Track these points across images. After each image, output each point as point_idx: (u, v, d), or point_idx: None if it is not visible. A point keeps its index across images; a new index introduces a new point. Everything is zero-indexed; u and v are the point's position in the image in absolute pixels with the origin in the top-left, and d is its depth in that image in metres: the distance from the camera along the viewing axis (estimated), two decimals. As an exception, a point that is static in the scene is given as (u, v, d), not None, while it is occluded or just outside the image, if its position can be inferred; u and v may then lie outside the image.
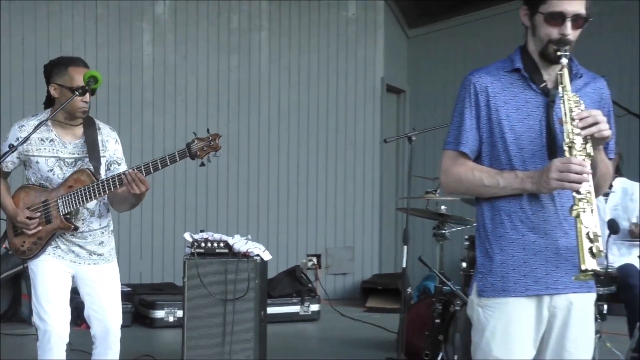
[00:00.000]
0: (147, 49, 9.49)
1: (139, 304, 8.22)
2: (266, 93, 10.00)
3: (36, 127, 3.93)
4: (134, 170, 3.93)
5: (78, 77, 4.03)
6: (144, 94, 9.37)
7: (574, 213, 2.58)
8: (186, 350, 5.54)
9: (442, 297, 5.73)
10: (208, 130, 4.11)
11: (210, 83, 9.75)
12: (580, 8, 2.74)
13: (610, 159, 2.91)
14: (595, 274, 2.56)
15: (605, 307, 5.27)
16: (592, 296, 2.88)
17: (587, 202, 2.59)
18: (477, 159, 2.90)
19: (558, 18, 2.73)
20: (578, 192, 2.59)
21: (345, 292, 10.32)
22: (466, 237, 5.57)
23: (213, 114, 9.72)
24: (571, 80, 2.76)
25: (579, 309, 2.82)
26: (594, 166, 2.69)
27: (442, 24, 11.24)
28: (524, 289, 2.78)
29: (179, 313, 7.23)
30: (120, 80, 9.06)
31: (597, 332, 5.38)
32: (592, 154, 2.65)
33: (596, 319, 5.28)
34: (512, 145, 2.81)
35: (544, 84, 2.83)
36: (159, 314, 8.00)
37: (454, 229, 6.00)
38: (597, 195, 2.68)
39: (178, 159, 3.98)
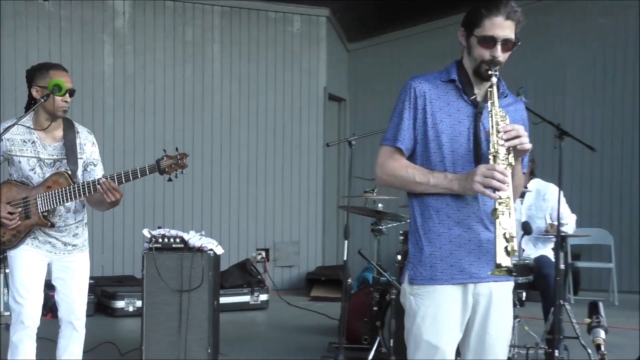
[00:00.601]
0: (107, 60, 9.38)
1: (101, 294, 8.12)
2: (218, 101, 9.97)
3: (8, 127, 3.99)
4: (107, 179, 3.97)
5: (58, 78, 4.07)
6: (105, 101, 9.26)
7: (494, 215, 2.62)
8: (145, 338, 5.49)
9: (379, 287, 5.77)
10: (177, 149, 4.13)
11: (166, 91, 9.69)
12: (510, 33, 2.80)
13: (523, 172, 2.99)
14: (509, 270, 2.61)
15: (524, 294, 5.36)
16: (510, 284, 2.93)
17: (506, 206, 2.63)
18: (410, 158, 2.92)
19: (490, 41, 2.79)
20: (499, 197, 2.63)
21: (291, 283, 10.33)
22: (401, 232, 5.60)
23: (169, 119, 9.66)
24: (498, 97, 2.82)
25: (499, 295, 2.87)
26: (512, 176, 2.74)
27: (379, 38, 11.35)
28: (450, 278, 2.82)
29: (138, 303, 7.17)
30: (83, 88, 8.94)
31: (516, 316, 5.47)
32: (513, 163, 2.71)
33: (515, 305, 5.37)
34: (443, 147, 2.84)
35: (474, 97, 2.88)
36: (120, 304, 7.92)
37: (390, 225, 6.04)
38: None
39: (148, 173, 4.03)
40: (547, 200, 6.11)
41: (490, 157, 2.70)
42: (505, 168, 2.67)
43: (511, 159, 2.70)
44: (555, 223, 5.34)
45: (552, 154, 5.55)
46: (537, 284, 5.56)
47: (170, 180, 4.09)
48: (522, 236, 5.34)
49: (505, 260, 2.58)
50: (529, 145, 2.74)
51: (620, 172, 9.83)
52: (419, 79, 2.92)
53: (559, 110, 9.78)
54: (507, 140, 2.70)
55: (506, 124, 2.74)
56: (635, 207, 9.72)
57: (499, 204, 2.63)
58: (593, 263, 9.56)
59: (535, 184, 6.25)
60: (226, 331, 6.35)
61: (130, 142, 9.26)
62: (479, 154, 2.82)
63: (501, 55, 2.81)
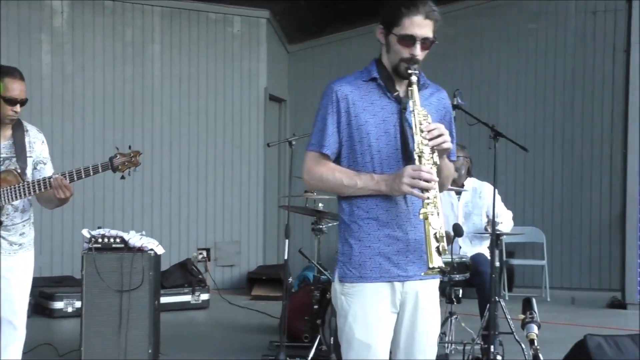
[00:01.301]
0: (45, 59, 9.19)
1: (38, 295, 7.95)
2: (159, 101, 9.87)
3: None
4: (59, 176, 3.94)
5: (12, 87, 4.02)
6: (43, 101, 9.07)
7: (422, 215, 2.63)
8: (84, 338, 5.40)
9: (319, 286, 5.79)
10: (130, 147, 4.09)
11: (106, 91, 9.54)
12: (428, 32, 2.80)
13: (452, 160, 3.00)
14: (441, 271, 2.63)
15: (461, 291, 5.44)
16: (436, 282, 2.94)
17: (434, 206, 2.65)
18: (337, 160, 2.91)
19: (409, 40, 2.79)
20: (427, 197, 2.65)
21: (232, 282, 10.28)
22: (341, 231, 5.64)
23: (109, 120, 9.51)
24: (419, 89, 2.83)
25: (426, 293, 2.88)
26: (439, 171, 2.75)
27: (318, 40, 11.39)
28: (378, 276, 2.82)
29: (78, 304, 7.02)
30: (20, 87, 8.73)
31: (453, 313, 5.55)
32: (438, 162, 2.72)
33: (452, 302, 5.46)
34: (371, 147, 2.83)
35: (396, 93, 2.88)
36: (58, 305, 7.77)
37: (330, 224, 6.06)
38: (441, 190, 2.76)
39: (101, 171, 4.00)
40: (482, 198, 6.22)
41: (416, 157, 2.71)
42: (431, 167, 2.69)
43: (436, 158, 2.72)
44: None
45: (487, 154, 5.64)
46: (473, 282, 5.64)
47: (123, 178, 4.07)
48: (454, 238, 5.40)
49: (437, 261, 2.59)
50: (449, 145, 2.76)
51: (552, 172, 10.06)
52: (340, 82, 2.91)
53: (493, 111, 9.95)
54: (430, 139, 2.70)
55: (429, 122, 2.74)
56: (566, 206, 9.96)
57: (427, 204, 2.64)
58: (526, 260, 9.76)
59: (472, 182, 6.35)
60: (167, 331, 6.28)
61: (69, 142, 9.09)
62: (407, 150, 2.81)
63: (420, 54, 2.81)
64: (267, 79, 10.56)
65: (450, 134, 2.80)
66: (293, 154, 5.80)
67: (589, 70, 9.87)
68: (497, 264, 5.27)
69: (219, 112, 10.24)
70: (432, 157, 2.71)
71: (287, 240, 5.64)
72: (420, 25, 2.79)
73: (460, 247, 5.92)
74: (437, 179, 2.69)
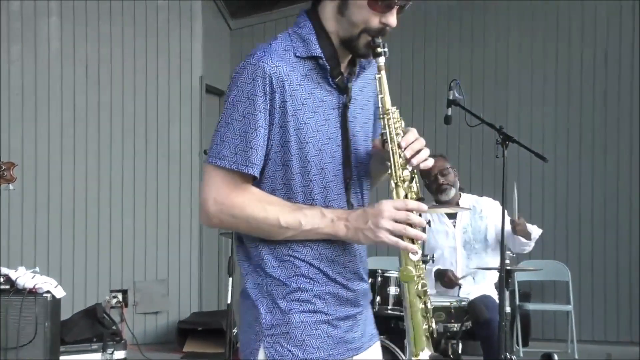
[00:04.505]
0: None
1: None
2: (57, 92, 9.79)
3: None
4: None
5: None
6: None
7: (406, 277, 2.50)
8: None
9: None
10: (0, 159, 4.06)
11: (-18, 79, 9.48)
12: None
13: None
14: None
15: (460, 345, 5.46)
16: (378, 343, 2.82)
17: (421, 265, 2.51)
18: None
19: (386, 2, 2.53)
20: (416, 251, 2.48)
21: (158, 335, 10.22)
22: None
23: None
24: (358, 74, 2.66)
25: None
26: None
27: (269, 15, 11.40)
28: (327, 355, 2.61)
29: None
30: None
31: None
32: (422, 196, 2.54)
33: (450, 360, 5.48)
34: (310, 164, 2.57)
35: (340, 77, 2.62)
36: None
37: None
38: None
39: None
40: (484, 218, 6.28)
41: (393, 185, 2.52)
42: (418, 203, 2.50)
43: (416, 187, 2.55)
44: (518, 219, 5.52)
45: (492, 164, 5.69)
46: (477, 332, 5.67)
47: None
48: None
49: (426, 353, 2.48)
50: (431, 162, 2.57)
51: (578, 188, 10.14)
52: (271, 57, 2.57)
53: (501, 108, 10.03)
54: (410, 157, 2.51)
55: (403, 129, 2.56)
56: (598, 233, 10.01)
57: (417, 264, 2.50)
58: (546, 305, 9.83)
59: (467, 200, 6.39)
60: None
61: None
62: (347, 173, 2.61)
63: (394, 24, 2.57)
64: (203, 65, 10.54)
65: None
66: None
67: (626, 56, 9.99)
68: (508, 309, 5.31)
69: (139, 108, 10.19)
70: (412, 186, 2.54)
71: (230, 279, 5.63)
72: None
73: (460, 287, 5.95)
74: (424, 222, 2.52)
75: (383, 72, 2.56)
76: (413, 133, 2.55)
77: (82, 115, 9.91)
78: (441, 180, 6.34)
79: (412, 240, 2.47)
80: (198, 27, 10.51)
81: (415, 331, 2.50)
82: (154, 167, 10.26)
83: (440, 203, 6.33)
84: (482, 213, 6.30)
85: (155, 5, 10.32)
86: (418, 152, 2.52)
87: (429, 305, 2.52)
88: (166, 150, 10.32)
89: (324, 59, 2.58)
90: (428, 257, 5.52)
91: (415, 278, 2.48)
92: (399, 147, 2.50)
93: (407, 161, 2.51)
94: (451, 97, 5.49)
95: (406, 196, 2.51)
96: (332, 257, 2.60)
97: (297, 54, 2.58)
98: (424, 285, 2.54)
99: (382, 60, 2.54)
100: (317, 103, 2.57)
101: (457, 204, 6.31)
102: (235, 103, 2.54)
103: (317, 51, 2.58)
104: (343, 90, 2.60)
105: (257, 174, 2.55)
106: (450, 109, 5.63)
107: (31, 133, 9.63)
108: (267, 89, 2.51)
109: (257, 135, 2.52)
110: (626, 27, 9.90)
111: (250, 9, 11.45)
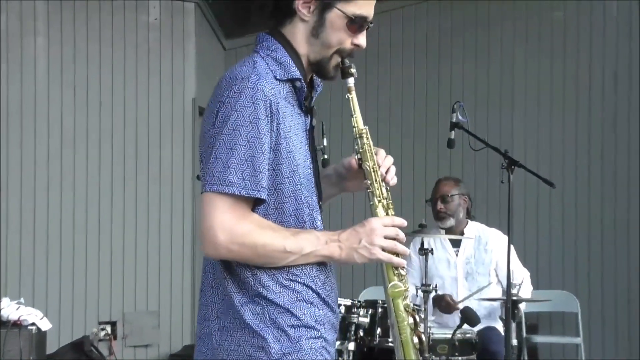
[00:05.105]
0: None
1: None
2: (44, 115, 9.81)
3: None
4: None
5: None
6: None
7: (396, 293, 2.59)
8: None
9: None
10: None
11: (-32, 101, 9.50)
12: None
13: None
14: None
15: (464, 379, 5.45)
16: None
17: (406, 278, 2.64)
18: None
19: (361, 23, 2.64)
20: (404, 266, 2.61)
21: (148, 369, 10.22)
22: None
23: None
24: (313, 97, 2.76)
25: None
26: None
27: (266, 33, 11.44)
28: None
29: None
30: None
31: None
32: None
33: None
34: (300, 187, 2.66)
35: (308, 99, 2.74)
36: None
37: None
38: None
39: None
40: (488, 252, 6.27)
41: (377, 203, 2.65)
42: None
43: (391, 205, 2.68)
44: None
45: (497, 189, 5.70)
46: (482, 366, 5.66)
47: None
48: (462, 324, 5.43)
49: None
50: (395, 180, 2.72)
51: (587, 215, 10.13)
52: (267, 80, 2.62)
53: (506, 131, 10.04)
54: (385, 178, 2.68)
55: (375, 150, 2.69)
56: (608, 261, 10.00)
57: (402, 276, 2.61)
58: (555, 337, 9.80)
59: (475, 228, 6.38)
60: None
61: None
62: (319, 194, 2.74)
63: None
64: (197, 86, 10.57)
65: None
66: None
67: (636, 72, 10.01)
68: (515, 341, 5.30)
69: (129, 131, 10.21)
70: (389, 204, 2.67)
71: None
72: (372, 5, 2.68)
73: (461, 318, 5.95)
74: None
75: (354, 93, 2.67)
76: (383, 151, 2.70)
77: (69, 139, 9.92)
78: (439, 207, 6.31)
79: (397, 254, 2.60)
80: (191, 47, 10.54)
81: (405, 346, 2.57)
82: (144, 192, 10.26)
83: (443, 229, 6.31)
84: (488, 245, 6.28)
85: (146, 23, 10.34)
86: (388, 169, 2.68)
87: (417, 319, 2.61)
88: (157, 174, 10.32)
89: (302, 82, 2.67)
90: (431, 287, 5.53)
91: (404, 292, 2.58)
92: (379, 165, 2.65)
93: (383, 179, 2.66)
94: (454, 120, 5.51)
95: (387, 213, 2.63)
96: (323, 279, 2.69)
97: (277, 77, 2.64)
98: (409, 300, 2.65)
99: (351, 81, 2.65)
100: (296, 126, 2.67)
101: (462, 232, 6.29)
102: (236, 128, 2.55)
103: (297, 74, 2.66)
104: (308, 111, 2.72)
105: (264, 196, 2.59)
106: (453, 132, 5.64)
107: (17, 156, 9.64)
108: (268, 111, 2.56)
109: (264, 159, 2.56)
110: (635, 47, 9.93)
111: (245, 28, 11.49)
